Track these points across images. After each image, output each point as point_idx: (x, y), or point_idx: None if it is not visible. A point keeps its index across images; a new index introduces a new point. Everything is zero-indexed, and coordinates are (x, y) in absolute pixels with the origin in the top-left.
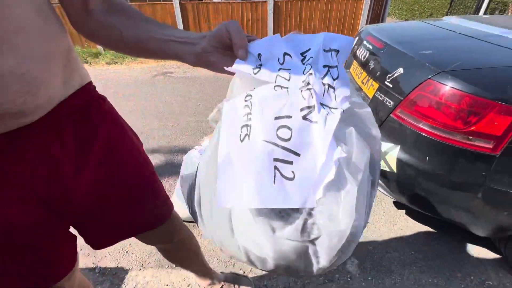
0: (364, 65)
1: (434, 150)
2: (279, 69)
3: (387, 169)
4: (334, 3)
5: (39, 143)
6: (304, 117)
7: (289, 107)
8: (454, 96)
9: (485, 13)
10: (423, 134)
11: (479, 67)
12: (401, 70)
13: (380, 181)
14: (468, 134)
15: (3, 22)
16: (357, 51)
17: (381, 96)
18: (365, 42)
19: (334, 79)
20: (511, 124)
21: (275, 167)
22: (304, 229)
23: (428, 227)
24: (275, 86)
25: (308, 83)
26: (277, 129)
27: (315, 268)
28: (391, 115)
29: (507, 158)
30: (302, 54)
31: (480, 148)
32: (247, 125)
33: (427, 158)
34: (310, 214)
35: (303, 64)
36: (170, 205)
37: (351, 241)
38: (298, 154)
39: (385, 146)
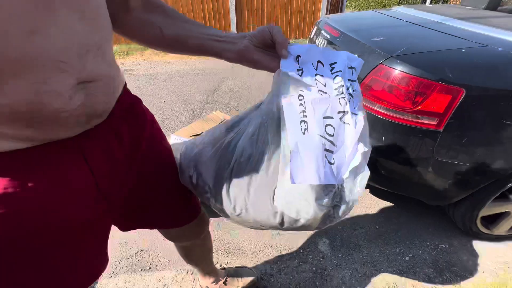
0: None
1: (388, 130)
2: (315, 74)
3: None
4: None
5: (103, 142)
6: (340, 119)
7: (331, 110)
8: (403, 79)
9: (430, 3)
10: (378, 116)
11: (422, 51)
12: None
13: None
14: (416, 113)
15: (102, 31)
16: (316, 40)
17: None
18: (323, 32)
19: (354, 91)
20: (450, 102)
21: (325, 155)
22: (333, 198)
23: (390, 203)
24: (318, 90)
25: (342, 92)
26: (325, 127)
27: (326, 225)
28: None
29: (449, 133)
30: (330, 65)
31: (427, 125)
32: (304, 121)
33: (383, 138)
34: (338, 188)
35: (332, 73)
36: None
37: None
38: (336, 146)
39: None
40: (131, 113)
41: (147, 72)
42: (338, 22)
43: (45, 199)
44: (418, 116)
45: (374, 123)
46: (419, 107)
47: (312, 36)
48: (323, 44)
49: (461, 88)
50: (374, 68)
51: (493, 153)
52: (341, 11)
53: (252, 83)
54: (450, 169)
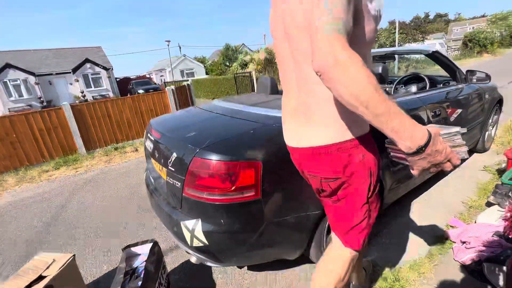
0: (153, 155)
1: (223, 212)
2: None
3: (201, 244)
4: (141, 98)
5: None
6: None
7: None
8: (215, 166)
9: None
10: (209, 202)
11: (225, 138)
12: (175, 154)
13: (206, 258)
14: (237, 191)
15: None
16: (146, 144)
17: (171, 180)
18: (149, 135)
19: None
20: (256, 174)
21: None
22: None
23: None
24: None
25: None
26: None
27: None
28: (183, 194)
29: (267, 197)
30: None
31: (250, 197)
32: None
33: (222, 221)
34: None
35: None
36: None
37: None
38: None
39: (190, 224)
40: None
41: None
42: (161, 124)
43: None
44: (239, 192)
45: (209, 210)
46: (236, 185)
47: (144, 138)
48: (151, 147)
49: (258, 161)
50: (190, 161)
51: (303, 200)
52: (192, 103)
53: (112, 192)
54: (284, 224)
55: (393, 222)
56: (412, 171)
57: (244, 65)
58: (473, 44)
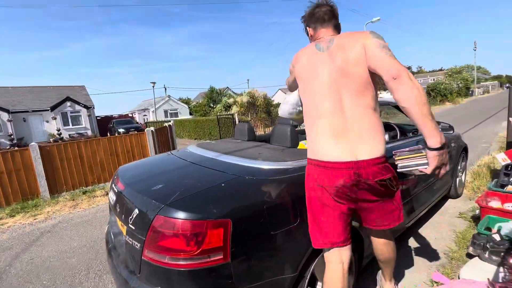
0: (114, 208)
1: (186, 280)
2: None
3: None
4: (118, 139)
5: None
6: None
7: None
8: (179, 225)
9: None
10: (171, 268)
11: (192, 193)
12: (136, 210)
13: None
14: (202, 254)
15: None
16: (109, 194)
17: (130, 240)
18: (113, 185)
19: None
20: (224, 234)
21: None
22: None
23: None
24: None
25: None
26: None
27: None
28: (142, 257)
29: (238, 260)
30: None
31: (217, 262)
32: None
33: None
34: None
35: None
36: None
37: None
38: None
39: None
40: None
41: None
42: (128, 172)
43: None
44: (205, 256)
45: (170, 277)
46: (202, 247)
47: (109, 188)
48: (113, 199)
49: (227, 219)
50: (152, 219)
51: (279, 262)
52: (173, 144)
53: (72, 244)
54: None
55: (371, 278)
56: (426, 169)
57: (228, 107)
58: (435, 93)
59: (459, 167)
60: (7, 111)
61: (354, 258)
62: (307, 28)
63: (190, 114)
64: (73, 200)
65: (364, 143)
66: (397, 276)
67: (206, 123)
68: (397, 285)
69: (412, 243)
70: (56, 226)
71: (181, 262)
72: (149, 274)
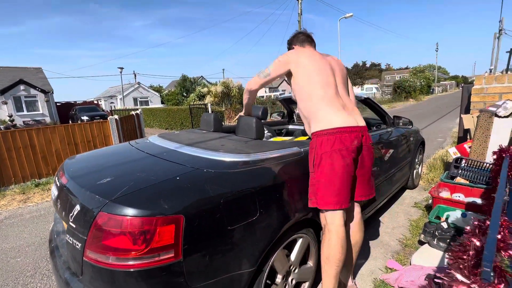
0: (55, 204)
1: (133, 282)
2: None
3: None
4: (76, 127)
5: None
6: None
7: None
8: (125, 222)
9: None
10: (116, 269)
11: (142, 187)
12: (78, 206)
13: None
14: (151, 253)
15: None
16: (52, 189)
17: (70, 239)
18: (56, 178)
19: None
20: (176, 231)
21: None
22: None
23: None
24: None
25: None
26: None
27: None
28: (84, 258)
29: (190, 258)
30: None
31: (167, 260)
32: None
33: None
34: None
35: None
36: None
37: None
38: None
39: None
40: None
41: None
42: (76, 164)
43: None
44: (154, 254)
45: (115, 280)
46: (151, 246)
47: (53, 183)
48: (55, 194)
49: (180, 215)
50: (95, 217)
51: (235, 256)
52: (141, 133)
53: (17, 242)
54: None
55: None
56: None
57: (202, 96)
58: (401, 90)
59: (416, 160)
60: None
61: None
62: (295, 46)
63: (162, 103)
64: (23, 193)
65: (358, 114)
66: (355, 264)
67: (178, 112)
68: (354, 278)
69: (371, 232)
70: (2, 222)
71: (128, 262)
72: (92, 276)
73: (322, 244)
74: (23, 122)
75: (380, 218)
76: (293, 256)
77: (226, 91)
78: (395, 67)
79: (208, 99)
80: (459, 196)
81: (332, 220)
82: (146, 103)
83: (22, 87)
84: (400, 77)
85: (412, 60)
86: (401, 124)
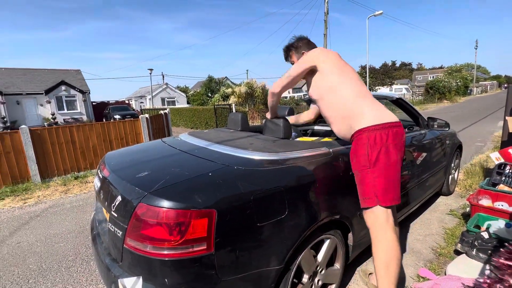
0: (98, 195)
1: (168, 270)
2: None
3: None
4: (111, 125)
5: None
6: None
7: None
8: (162, 214)
9: None
10: (153, 257)
11: (178, 181)
12: (119, 197)
13: None
14: (185, 244)
15: None
16: (95, 180)
17: (112, 227)
18: (99, 171)
19: None
20: (209, 224)
21: None
22: None
23: None
24: None
25: None
26: None
27: None
28: (124, 245)
29: (222, 251)
30: None
31: (200, 252)
32: None
33: (166, 280)
34: None
35: None
36: None
37: None
38: None
39: (129, 283)
40: None
41: None
42: (115, 158)
43: None
44: (188, 246)
45: (152, 267)
46: (185, 237)
47: (95, 174)
48: (98, 186)
49: (212, 209)
50: (135, 207)
51: (264, 254)
52: (169, 132)
53: (60, 229)
54: (241, 282)
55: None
56: None
57: (226, 97)
58: (434, 91)
59: (452, 165)
60: (0, 93)
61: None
62: (302, 53)
63: (188, 103)
64: (64, 185)
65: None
66: None
67: (203, 112)
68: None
69: (401, 238)
70: (46, 210)
71: (163, 252)
72: (131, 262)
73: (375, 249)
74: (63, 119)
75: (411, 225)
76: (320, 257)
77: (249, 91)
78: (428, 66)
79: (232, 100)
80: (502, 205)
81: (387, 218)
82: (173, 103)
83: (63, 87)
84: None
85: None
86: (436, 126)
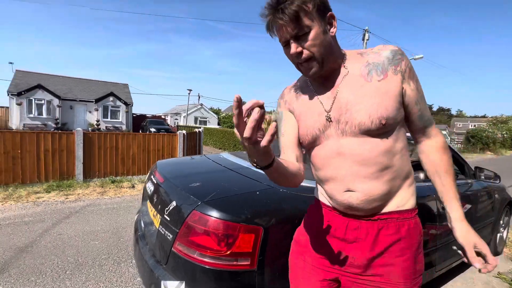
0: (151, 198)
1: (211, 279)
2: None
3: None
4: (151, 137)
5: None
6: None
7: None
8: (213, 223)
9: None
10: (200, 264)
11: (228, 195)
12: (174, 203)
13: None
14: (231, 256)
15: None
16: (147, 184)
17: (163, 230)
18: (152, 177)
19: None
20: (255, 240)
21: None
22: None
23: None
24: None
25: None
26: None
27: None
28: (172, 249)
29: (263, 270)
30: None
31: (243, 267)
32: None
33: None
34: None
35: None
36: None
37: None
38: None
39: (172, 286)
40: None
41: None
42: (167, 167)
43: None
44: (233, 258)
45: (196, 273)
46: (232, 249)
47: (146, 179)
48: (151, 190)
49: (260, 226)
50: (189, 214)
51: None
52: (199, 149)
53: (95, 228)
54: None
55: None
56: None
57: None
58: (476, 140)
59: (501, 222)
60: (59, 97)
61: None
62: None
63: (218, 124)
64: (102, 187)
65: None
66: None
67: (233, 134)
68: None
69: None
70: (84, 208)
71: (209, 260)
72: (175, 266)
73: None
74: (105, 127)
75: (452, 282)
76: None
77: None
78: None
79: (263, 125)
80: None
81: None
82: (205, 123)
83: (111, 98)
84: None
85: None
86: (483, 177)
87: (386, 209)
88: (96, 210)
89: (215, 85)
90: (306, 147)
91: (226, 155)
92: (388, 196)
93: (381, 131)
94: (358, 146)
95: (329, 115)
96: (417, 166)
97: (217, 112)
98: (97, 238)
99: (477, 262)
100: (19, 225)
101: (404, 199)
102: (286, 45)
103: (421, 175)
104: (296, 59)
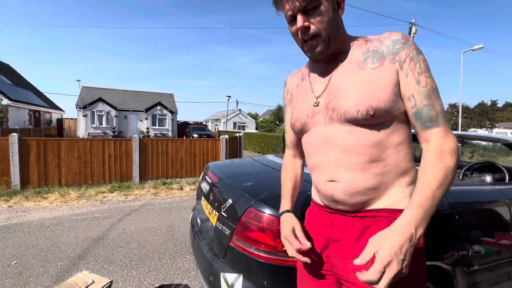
0: (207, 196)
1: (267, 273)
2: None
3: None
4: (197, 142)
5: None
6: None
7: None
8: (269, 220)
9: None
10: (256, 258)
11: (280, 194)
12: (230, 200)
13: None
14: (285, 252)
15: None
16: (201, 184)
17: (220, 226)
18: (206, 177)
19: None
20: None
21: None
22: None
23: None
24: None
25: None
26: None
27: None
28: (230, 243)
29: None
30: None
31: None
32: None
33: (264, 282)
34: None
35: None
36: None
37: None
38: None
39: (231, 278)
40: None
41: (5, 223)
42: (219, 168)
43: None
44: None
45: (253, 267)
46: None
47: (200, 179)
48: (206, 189)
49: None
50: (245, 211)
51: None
52: (240, 153)
53: (153, 225)
54: None
55: None
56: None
57: None
58: None
59: None
60: (115, 108)
61: None
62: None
63: (256, 128)
64: (154, 188)
65: None
66: None
67: (271, 138)
68: None
69: None
70: (142, 207)
71: (265, 255)
72: (233, 259)
73: None
74: (154, 134)
75: None
76: None
77: None
78: None
79: None
80: None
81: None
82: (243, 128)
83: (158, 107)
84: None
85: None
86: None
87: (375, 205)
88: (151, 209)
89: (252, 90)
90: (298, 134)
91: (271, 157)
92: (376, 191)
93: (370, 122)
94: (343, 134)
95: (318, 101)
96: (480, 168)
97: (254, 117)
98: (155, 234)
99: (359, 260)
100: (91, 220)
101: (397, 198)
102: (292, 20)
103: (488, 178)
104: (302, 35)
